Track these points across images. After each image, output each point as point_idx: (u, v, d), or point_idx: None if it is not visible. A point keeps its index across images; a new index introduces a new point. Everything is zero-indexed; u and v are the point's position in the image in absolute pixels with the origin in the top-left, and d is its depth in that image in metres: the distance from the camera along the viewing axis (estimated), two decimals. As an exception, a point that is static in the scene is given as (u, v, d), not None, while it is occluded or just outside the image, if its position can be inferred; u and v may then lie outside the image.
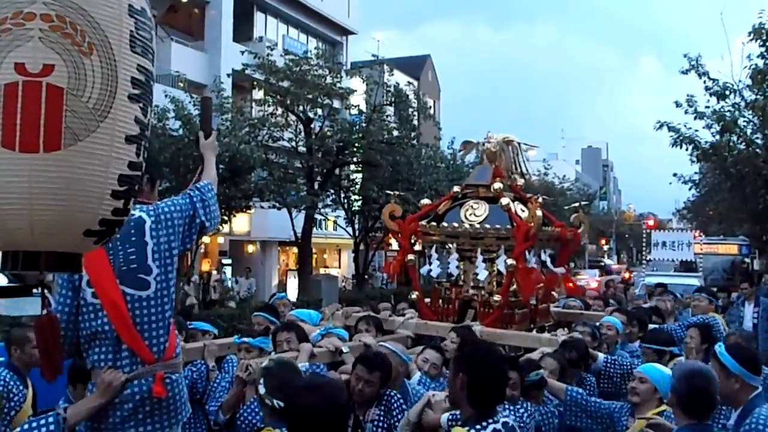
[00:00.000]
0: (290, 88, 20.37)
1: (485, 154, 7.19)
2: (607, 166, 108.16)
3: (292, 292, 24.86)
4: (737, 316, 9.91)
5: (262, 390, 3.48)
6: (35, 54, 1.55)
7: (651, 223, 35.26)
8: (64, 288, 3.25)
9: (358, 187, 24.40)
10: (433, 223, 6.97)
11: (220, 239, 26.50)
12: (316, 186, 21.43)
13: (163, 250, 3.32)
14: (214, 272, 26.81)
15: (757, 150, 15.73)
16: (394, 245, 32.49)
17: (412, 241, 7.12)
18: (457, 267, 6.79)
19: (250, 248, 29.35)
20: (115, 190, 1.72)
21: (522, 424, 4.15)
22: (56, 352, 2.79)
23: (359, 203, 24.71)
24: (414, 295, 7.18)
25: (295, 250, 25.72)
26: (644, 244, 22.36)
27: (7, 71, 1.55)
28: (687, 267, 21.69)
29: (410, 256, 7.02)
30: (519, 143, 7.33)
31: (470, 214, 6.82)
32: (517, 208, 6.76)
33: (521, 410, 4.40)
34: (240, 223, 24.68)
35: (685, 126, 16.22)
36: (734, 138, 15.99)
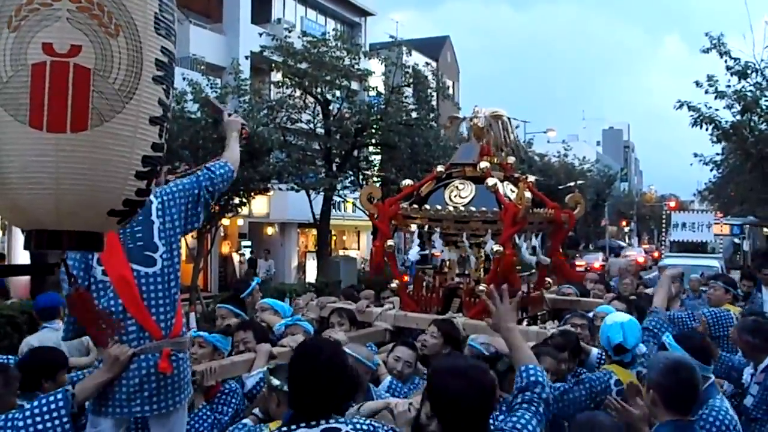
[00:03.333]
0: (308, 70, 20.34)
1: (472, 130, 6.57)
2: (629, 147, 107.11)
3: (311, 273, 24.98)
4: (758, 304, 9.17)
5: (276, 382, 3.39)
6: (63, 34, 1.58)
7: (672, 204, 35.04)
8: (75, 267, 3.32)
9: (376, 168, 24.39)
10: (415, 206, 6.32)
11: (240, 221, 26.59)
12: (334, 168, 21.44)
13: (168, 229, 3.44)
14: (235, 255, 26.99)
15: (779, 130, 15.56)
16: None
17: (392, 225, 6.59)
18: (442, 251, 6.29)
19: (270, 230, 29.44)
20: (139, 170, 1.75)
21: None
22: (97, 321, 2.86)
23: (378, 185, 24.72)
24: (394, 284, 6.53)
25: (314, 231, 25.78)
26: (664, 226, 22.21)
27: (35, 51, 1.57)
28: (693, 248, 21.37)
29: (389, 242, 6.40)
30: (509, 118, 6.70)
31: (455, 196, 6.20)
32: (507, 189, 6.20)
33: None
34: (259, 205, 24.76)
35: (705, 105, 16.05)
36: (755, 118, 15.81)
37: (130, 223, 3.25)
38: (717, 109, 16.16)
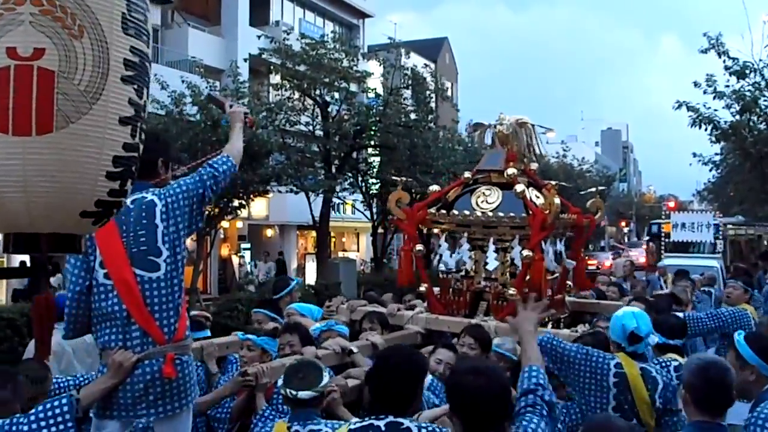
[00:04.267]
0: (307, 72, 20.39)
1: (497, 137, 6.71)
2: (627, 148, 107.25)
3: (311, 275, 24.98)
4: (761, 302, 9.40)
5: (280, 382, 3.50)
6: (26, 38, 1.57)
7: (672, 204, 34.97)
8: (77, 268, 3.32)
9: (375, 170, 24.38)
10: (443, 211, 6.48)
11: (239, 224, 26.62)
12: (333, 170, 21.44)
13: (172, 233, 3.38)
14: (235, 257, 27.00)
15: (778, 130, 15.55)
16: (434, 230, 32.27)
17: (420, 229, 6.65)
18: (470, 257, 6.39)
19: (269, 232, 29.48)
20: (110, 171, 1.74)
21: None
22: (47, 333, 2.84)
23: (377, 186, 24.70)
24: (423, 288, 6.66)
25: (313, 233, 25.80)
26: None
27: None
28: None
29: (418, 246, 6.53)
30: (533, 125, 6.84)
31: (482, 202, 6.38)
32: (532, 194, 6.35)
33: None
34: (258, 207, 24.79)
35: (704, 106, 16.05)
36: (754, 118, 15.80)
37: (134, 227, 3.27)
38: (716, 110, 16.18)
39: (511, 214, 6.14)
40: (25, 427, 2.94)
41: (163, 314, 3.28)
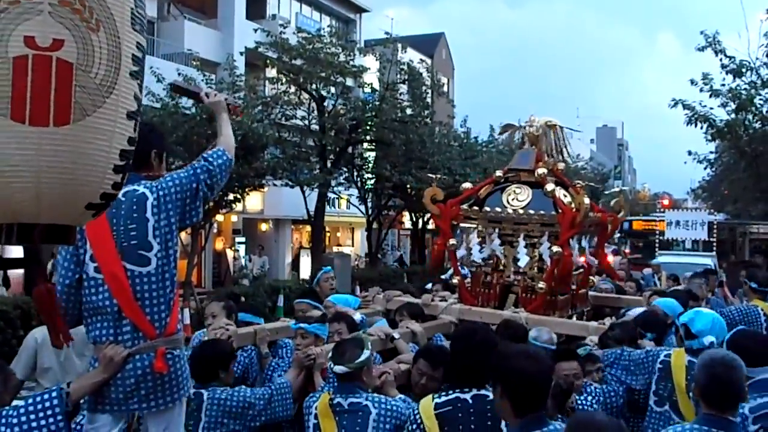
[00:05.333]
0: (303, 67, 20.35)
1: (527, 138, 7.06)
2: (622, 145, 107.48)
3: (305, 270, 24.99)
4: None
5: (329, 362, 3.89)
6: (45, 28, 1.57)
7: (666, 202, 35.09)
8: (66, 260, 3.27)
9: (371, 165, 24.40)
10: (475, 208, 6.88)
11: (234, 217, 26.56)
12: (328, 164, 21.44)
13: (163, 226, 3.31)
14: (229, 251, 26.97)
15: (773, 129, 15.60)
16: (407, 224, 32.68)
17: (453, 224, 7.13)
18: (502, 252, 6.73)
19: (264, 226, 29.43)
20: (116, 164, 1.76)
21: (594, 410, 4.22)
22: (57, 321, 2.83)
23: (372, 182, 24.74)
24: (455, 280, 7.09)
25: (308, 228, 25.80)
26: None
27: (16, 44, 1.56)
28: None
29: (451, 241, 6.93)
30: (562, 127, 7.21)
31: (513, 199, 6.74)
32: (560, 193, 6.66)
33: (590, 398, 4.43)
34: (253, 201, 24.74)
35: (700, 104, 16.10)
36: (750, 117, 15.86)
37: (124, 221, 3.23)
38: (711, 108, 16.23)
39: (541, 212, 6.51)
40: (15, 420, 2.93)
41: (154, 309, 3.24)
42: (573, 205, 6.46)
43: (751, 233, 24.25)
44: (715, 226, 20.16)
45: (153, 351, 3.22)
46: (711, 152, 22.96)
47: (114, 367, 3.17)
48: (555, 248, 6.24)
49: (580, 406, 4.25)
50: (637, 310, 6.18)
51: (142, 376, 3.22)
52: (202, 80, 17.14)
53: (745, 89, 15.48)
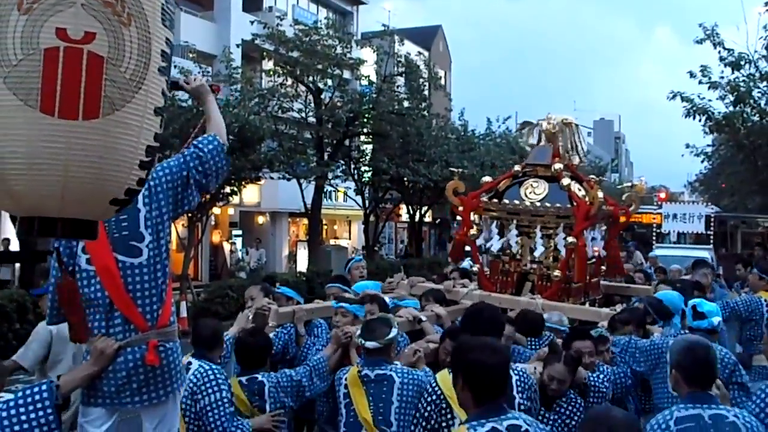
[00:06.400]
0: (300, 59, 20.30)
1: (544, 134, 7.48)
2: (619, 139, 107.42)
3: (302, 262, 24.98)
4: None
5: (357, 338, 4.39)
6: (77, 20, 1.55)
7: (663, 195, 35.15)
8: (62, 253, 3.22)
9: (368, 158, 24.39)
10: (495, 200, 7.28)
11: (231, 210, 26.53)
12: (325, 157, 21.42)
13: (155, 217, 3.27)
14: (226, 244, 26.93)
15: (771, 122, 15.62)
16: (404, 216, 32.67)
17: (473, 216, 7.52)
18: (517, 242, 7.13)
19: (261, 219, 29.38)
20: (142, 160, 1.74)
21: (604, 388, 4.62)
22: (80, 316, 2.80)
23: (369, 174, 24.72)
24: (476, 268, 7.55)
25: (305, 221, 25.76)
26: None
27: (48, 35, 1.55)
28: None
29: (472, 231, 7.33)
30: (576, 125, 7.71)
31: (530, 192, 7.13)
32: (574, 187, 7.02)
33: (602, 376, 4.72)
34: (250, 194, 24.71)
35: (698, 96, 16.11)
36: (748, 109, 15.88)
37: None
38: (710, 100, 16.25)
39: (558, 205, 6.93)
40: (4, 413, 2.91)
41: (146, 301, 3.21)
42: (587, 199, 6.86)
43: (743, 225, 24.29)
44: (712, 219, 20.18)
45: (145, 344, 3.19)
46: (708, 145, 22.99)
47: (105, 359, 3.13)
48: (570, 239, 6.66)
49: (592, 382, 4.57)
50: None
51: (134, 369, 3.18)
52: (199, 72, 17.07)
53: (743, 82, 15.50)
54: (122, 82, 1.62)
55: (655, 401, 5.00)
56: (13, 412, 2.92)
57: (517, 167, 7.56)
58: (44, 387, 3.01)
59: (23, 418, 2.92)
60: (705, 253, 17.66)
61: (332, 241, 31.43)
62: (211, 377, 4.02)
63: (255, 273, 22.71)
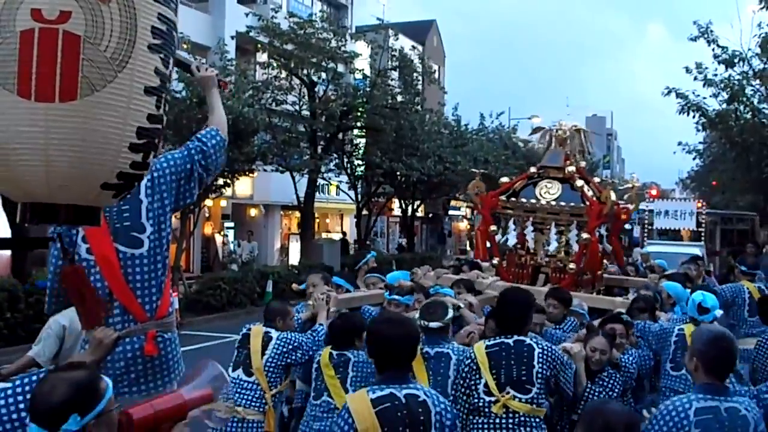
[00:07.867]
0: (294, 52, 20.26)
1: (555, 139, 8.30)
2: (611, 135, 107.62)
3: (295, 255, 24.96)
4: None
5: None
6: (52, 0, 1.52)
7: (654, 192, 35.21)
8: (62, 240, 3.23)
9: (361, 151, 24.37)
10: (512, 199, 8.00)
11: (223, 202, 26.44)
12: (319, 150, 21.39)
13: (157, 208, 3.26)
14: (218, 236, 26.86)
15: (764, 120, 15.68)
16: (396, 211, 32.68)
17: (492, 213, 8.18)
18: (532, 237, 7.80)
19: (253, 212, 29.29)
20: (133, 142, 1.70)
21: (633, 369, 5.22)
22: (88, 301, 2.78)
23: (362, 168, 24.70)
24: (495, 261, 8.13)
25: (297, 214, 25.73)
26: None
27: (23, 17, 1.52)
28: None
29: (492, 227, 7.99)
30: (585, 131, 8.66)
31: (545, 192, 7.86)
32: (585, 188, 7.76)
33: (630, 357, 5.26)
34: (243, 186, 24.62)
35: (693, 93, 16.15)
36: (741, 107, 15.92)
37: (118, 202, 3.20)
38: (704, 97, 16.28)
39: (572, 204, 7.68)
40: (1, 401, 2.90)
41: (145, 291, 3.20)
42: (600, 198, 7.52)
43: (723, 222, 24.36)
44: (704, 217, 20.24)
45: (143, 334, 3.18)
46: (700, 142, 23.04)
47: (103, 349, 3.11)
48: (585, 235, 7.36)
49: (623, 363, 5.14)
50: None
51: (132, 359, 3.17)
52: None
53: (737, 80, 15.53)
54: (102, 62, 1.58)
55: (662, 383, 5.61)
56: (11, 401, 2.90)
57: (532, 169, 8.33)
58: (42, 377, 2.99)
59: (21, 406, 2.90)
60: (696, 250, 17.75)
61: (324, 235, 31.39)
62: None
63: (247, 265, 22.64)
